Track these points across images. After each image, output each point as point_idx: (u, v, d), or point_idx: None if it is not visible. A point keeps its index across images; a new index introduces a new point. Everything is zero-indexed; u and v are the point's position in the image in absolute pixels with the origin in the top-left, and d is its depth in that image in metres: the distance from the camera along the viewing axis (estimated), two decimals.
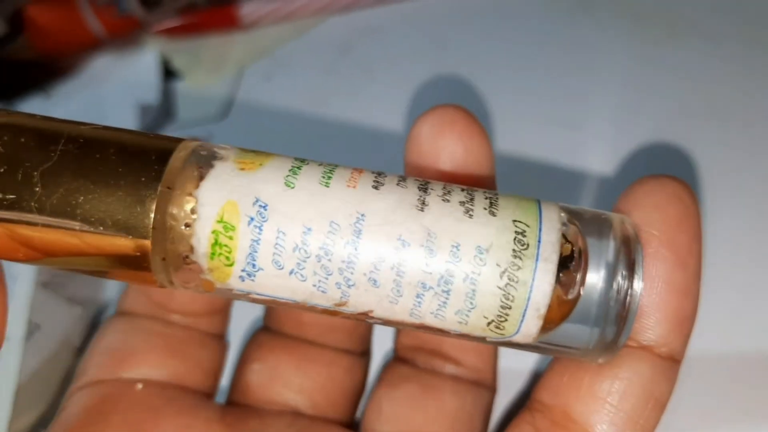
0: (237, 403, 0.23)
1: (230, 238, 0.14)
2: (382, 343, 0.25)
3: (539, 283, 0.15)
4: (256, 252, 0.14)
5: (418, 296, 0.15)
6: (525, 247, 0.15)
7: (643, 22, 0.33)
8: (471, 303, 0.15)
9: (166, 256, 0.15)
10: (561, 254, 0.15)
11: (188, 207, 0.15)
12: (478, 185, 0.20)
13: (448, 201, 0.15)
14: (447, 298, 0.15)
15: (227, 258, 0.15)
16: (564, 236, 0.15)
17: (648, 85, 0.31)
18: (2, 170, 0.14)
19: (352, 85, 0.34)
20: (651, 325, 0.17)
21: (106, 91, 0.35)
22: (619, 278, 0.15)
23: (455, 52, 0.34)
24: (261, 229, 0.14)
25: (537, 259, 0.15)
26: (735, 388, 0.25)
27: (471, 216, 0.15)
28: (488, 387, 0.23)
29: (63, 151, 0.15)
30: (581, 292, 0.15)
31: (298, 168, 0.15)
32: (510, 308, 0.15)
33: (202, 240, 0.15)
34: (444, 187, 0.16)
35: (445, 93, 0.32)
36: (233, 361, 0.25)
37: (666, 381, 0.17)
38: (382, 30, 0.35)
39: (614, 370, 0.17)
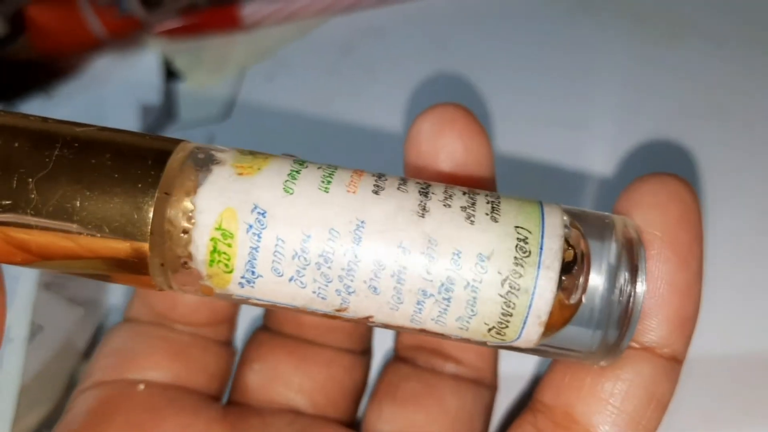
0: (238, 403, 0.23)
1: (229, 245, 0.14)
2: (382, 342, 0.25)
3: (541, 290, 0.14)
4: (255, 259, 0.14)
5: (418, 303, 0.15)
6: (527, 254, 0.14)
7: (643, 22, 0.33)
8: (472, 310, 0.15)
9: (164, 261, 0.15)
10: (563, 260, 0.15)
11: (186, 213, 0.14)
12: (478, 185, 0.20)
13: (449, 206, 0.15)
14: (448, 305, 0.15)
15: (226, 265, 0.14)
16: (566, 240, 0.15)
17: (648, 85, 0.31)
18: None
19: (353, 85, 0.34)
20: (653, 326, 0.17)
21: (108, 92, 0.35)
22: (622, 281, 0.15)
23: (457, 52, 0.34)
24: (260, 237, 0.14)
25: (539, 267, 0.14)
26: (736, 388, 0.25)
27: (472, 222, 0.15)
28: (489, 386, 0.23)
29: (58, 156, 0.14)
30: (583, 296, 0.15)
31: (297, 172, 0.15)
32: (511, 315, 0.15)
33: (200, 247, 0.14)
34: (445, 191, 0.15)
35: (447, 93, 0.32)
36: (235, 359, 0.24)
37: (668, 381, 0.17)
38: (384, 30, 0.35)
39: (616, 371, 0.17)
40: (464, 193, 0.16)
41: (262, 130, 0.33)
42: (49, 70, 0.35)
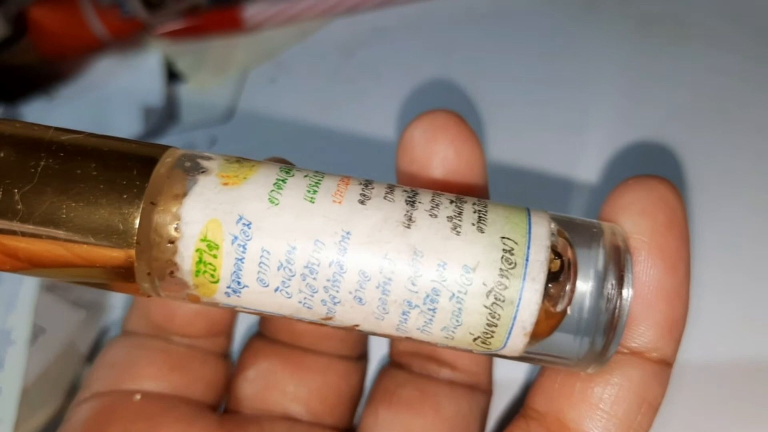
0: (234, 412, 0.23)
1: (214, 256, 0.14)
2: (378, 348, 0.25)
3: (526, 302, 0.15)
4: (240, 270, 0.15)
5: (404, 313, 0.15)
6: (512, 266, 0.15)
7: (646, 28, 0.33)
8: (457, 320, 0.15)
9: (151, 270, 0.15)
10: (550, 270, 0.15)
11: (172, 224, 0.15)
12: (471, 191, 0.20)
13: (435, 216, 0.15)
14: (433, 316, 0.15)
15: (212, 275, 0.15)
16: (553, 248, 0.15)
17: (647, 92, 0.31)
18: None
19: (355, 87, 0.34)
20: (641, 331, 0.17)
21: (110, 94, 0.35)
22: (609, 289, 0.15)
23: (458, 55, 0.34)
24: (245, 248, 0.14)
25: (524, 279, 0.15)
26: (727, 391, 0.25)
27: (458, 233, 0.15)
28: (484, 391, 0.23)
29: (44, 167, 0.15)
30: (570, 304, 0.15)
31: (283, 181, 0.15)
32: (496, 326, 0.15)
33: (186, 258, 0.15)
34: (432, 200, 0.16)
35: (448, 96, 0.32)
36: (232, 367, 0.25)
37: (658, 385, 0.17)
38: (386, 33, 0.35)
39: (606, 376, 0.17)
40: (451, 202, 0.16)
41: (264, 133, 0.34)
42: (51, 72, 0.36)
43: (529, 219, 0.16)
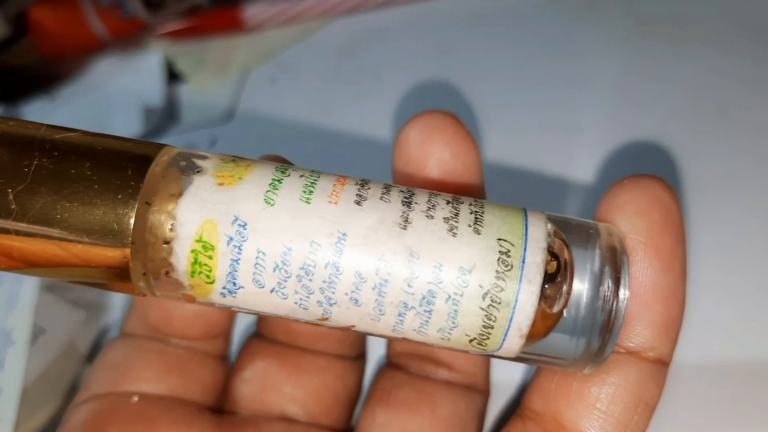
0: (232, 413, 0.23)
1: (210, 257, 0.15)
2: (375, 349, 0.25)
3: (522, 304, 0.15)
4: (236, 271, 0.15)
5: (399, 315, 0.15)
6: (509, 268, 0.15)
7: (647, 28, 0.33)
8: (453, 322, 0.15)
9: (146, 270, 0.15)
10: (546, 272, 0.15)
11: (167, 224, 0.15)
12: (467, 191, 0.20)
13: (432, 217, 0.15)
14: (429, 318, 0.15)
15: (207, 276, 0.15)
16: (550, 249, 0.15)
17: (646, 92, 0.31)
18: None
19: (356, 88, 0.34)
20: (638, 331, 0.17)
21: (110, 94, 0.36)
22: (605, 290, 0.15)
23: (459, 55, 0.34)
24: (240, 249, 0.14)
25: (520, 281, 0.15)
26: (724, 392, 0.25)
27: (455, 234, 0.15)
28: (481, 391, 0.23)
29: (37, 166, 0.15)
30: (567, 305, 0.15)
31: (279, 181, 0.15)
32: (492, 328, 0.15)
33: (181, 259, 0.15)
34: (429, 200, 0.16)
35: (449, 97, 0.32)
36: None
37: (654, 384, 0.17)
38: (387, 33, 0.35)
39: (602, 376, 0.17)
40: (448, 203, 0.16)
41: (264, 133, 0.34)
42: (52, 72, 0.36)
43: (526, 220, 0.16)
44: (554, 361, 0.16)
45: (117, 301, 0.31)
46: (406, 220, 0.15)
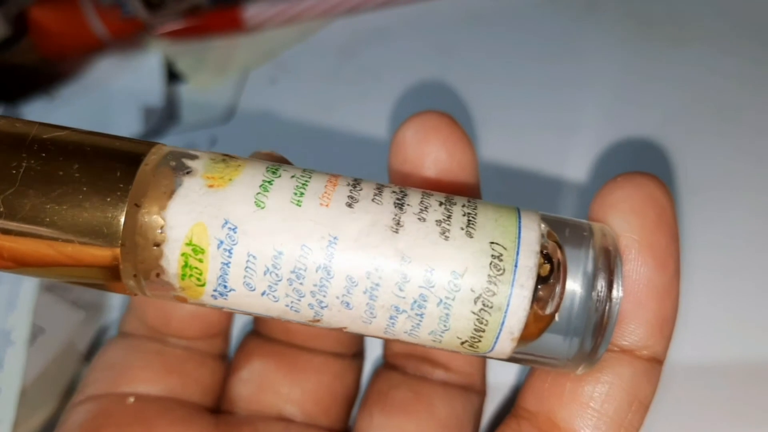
0: (229, 413, 0.23)
1: (200, 260, 0.15)
2: (372, 349, 0.25)
3: (514, 309, 0.15)
4: (227, 274, 0.15)
5: (391, 318, 0.15)
6: (501, 272, 0.15)
7: (648, 29, 0.33)
8: (444, 325, 0.15)
9: (137, 272, 0.15)
10: (539, 275, 0.15)
11: (157, 227, 0.15)
12: (463, 190, 0.20)
13: (424, 220, 0.15)
14: (420, 321, 0.15)
15: (198, 279, 0.15)
16: (543, 249, 0.15)
17: (645, 93, 0.31)
18: None
19: (356, 88, 0.34)
20: (631, 329, 0.17)
21: (110, 94, 0.36)
22: (598, 291, 0.15)
23: (459, 55, 0.34)
24: (231, 253, 0.15)
25: (512, 285, 0.15)
26: (718, 390, 0.25)
27: (447, 238, 0.15)
28: (478, 391, 0.23)
29: (26, 168, 0.15)
30: (559, 307, 0.15)
31: (270, 183, 0.15)
32: (484, 331, 0.15)
33: (171, 262, 0.15)
34: (421, 202, 0.16)
35: (449, 97, 0.33)
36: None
37: (648, 383, 0.17)
38: (387, 33, 0.35)
39: (596, 374, 0.17)
40: (441, 204, 0.16)
41: (264, 133, 0.34)
42: (52, 72, 0.36)
43: (519, 222, 0.16)
44: (547, 361, 0.16)
45: (116, 301, 0.31)
46: (398, 223, 0.15)
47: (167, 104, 0.36)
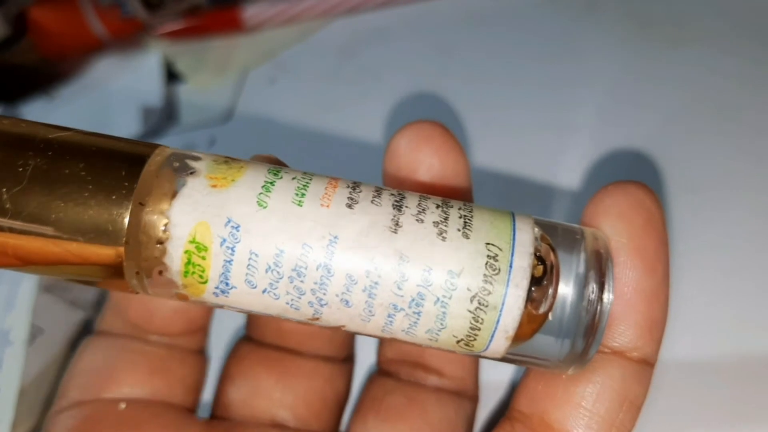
0: (221, 418, 0.24)
1: (203, 258, 0.15)
2: (365, 356, 0.26)
3: (509, 308, 0.15)
4: (229, 272, 0.15)
5: (389, 316, 0.16)
6: (496, 272, 0.15)
7: (646, 31, 0.33)
8: (441, 324, 0.16)
9: (140, 270, 0.16)
10: (533, 275, 0.16)
11: (161, 225, 0.15)
12: (456, 196, 0.20)
13: (422, 221, 0.16)
14: (418, 319, 0.16)
15: (200, 276, 0.15)
16: (536, 252, 0.16)
17: (648, 94, 0.32)
18: None
19: (355, 88, 0.35)
20: (621, 331, 0.17)
21: (109, 94, 0.36)
22: (590, 293, 0.16)
23: (459, 56, 0.34)
24: (233, 250, 0.15)
25: (507, 285, 0.15)
26: (714, 391, 0.25)
27: (444, 239, 0.16)
28: (470, 397, 0.24)
29: (33, 167, 0.15)
30: (552, 308, 0.16)
31: (272, 184, 0.16)
32: (479, 330, 0.16)
33: (174, 259, 0.15)
34: (419, 204, 0.16)
35: (448, 97, 0.33)
36: (215, 375, 0.25)
37: (639, 384, 0.18)
38: (386, 34, 0.36)
39: (588, 375, 0.18)
40: (438, 206, 0.16)
41: (264, 133, 0.34)
42: (51, 72, 0.36)
43: (514, 225, 0.16)
44: (540, 362, 0.17)
45: None
46: (397, 224, 0.16)
47: (166, 104, 0.36)
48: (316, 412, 0.23)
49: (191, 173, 0.16)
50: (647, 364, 0.18)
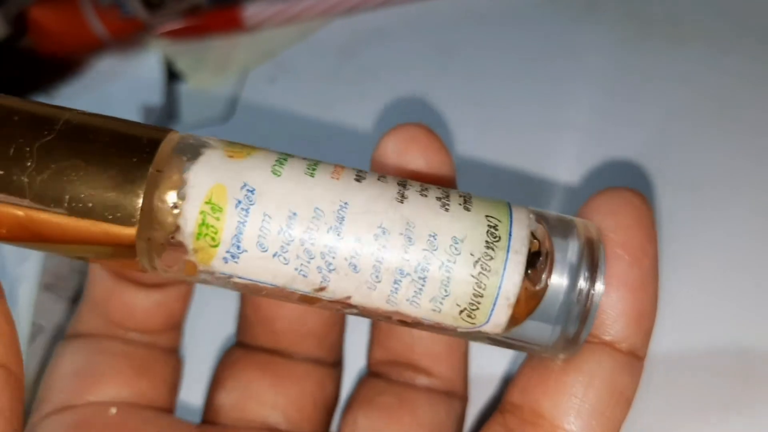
0: (212, 423, 0.24)
1: (217, 219, 0.16)
2: (355, 359, 0.27)
3: (510, 273, 0.17)
4: (241, 234, 0.16)
5: (395, 282, 0.17)
6: (497, 239, 0.17)
7: (647, 30, 0.34)
8: (445, 290, 0.17)
9: (151, 236, 0.16)
10: (530, 249, 0.17)
11: (177, 189, 0.16)
12: None
13: (425, 196, 0.17)
14: (423, 285, 0.17)
15: (213, 239, 0.16)
16: (532, 234, 0.17)
17: (648, 94, 0.33)
18: None
19: (356, 88, 0.35)
20: (610, 322, 0.19)
21: (110, 93, 0.36)
22: (582, 278, 0.17)
23: (459, 55, 0.35)
24: (248, 212, 0.16)
25: (508, 251, 0.17)
26: (702, 384, 0.26)
27: (447, 210, 0.17)
28: (460, 397, 0.25)
29: (59, 130, 0.16)
30: (547, 289, 0.17)
31: (284, 160, 0.17)
32: (482, 296, 0.17)
33: (189, 220, 0.16)
34: (421, 185, 0.18)
35: (448, 97, 0.34)
36: (205, 379, 0.26)
37: (629, 375, 0.19)
38: (387, 33, 0.36)
39: (578, 365, 0.19)
40: (438, 188, 0.18)
41: (264, 132, 0.35)
42: (51, 71, 0.36)
43: (510, 207, 0.18)
44: (533, 346, 0.18)
45: None
46: (403, 196, 0.17)
47: (167, 103, 0.37)
48: (307, 415, 0.24)
49: (208, 146, 0.17)
50: (636, 357, 0.19)
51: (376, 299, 0.17)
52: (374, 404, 0.24)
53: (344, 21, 0.37)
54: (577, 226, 0.18)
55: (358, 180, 0.17)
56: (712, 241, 0.29)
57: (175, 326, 0.26)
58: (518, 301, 0.17)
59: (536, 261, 0.17)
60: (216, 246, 0.16)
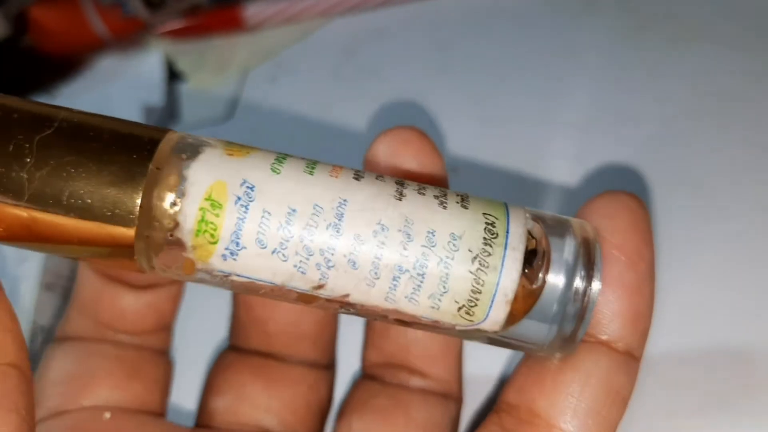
0: (206, 426, 0.24)
1: (216, 215, 0.16)
2: (349, 362, 0.27)
3: (508, 269, 0.17)
4: (240, 230, 0.16)
5: (394, 279, 0.17)
6: (495, 236, 0.17)
7: (647, 30, 0.35)
8: (444, 287, 0.17)
9: (150, 234, 0.17)
10: (527, 247, 0.17)
11: (177, 187, 0.16)
12: None
13: (423, 194, 0.17)
14: (421, 282, 0.17)
15: (212, 235, 0.16)
16: (529, 232, 0.17)
17: (648, 93, 0.33)
18: None
19: (356, 87, 0.36)
20: (606, 321, 0.19)
21: (110, 93, 0.37)
22: (578, 277, 0.18)
23: (459, 55, 0.35)
24: (247, 209, 0.16)
25: (506, 248, 0.17)
26: (700, 385, 0.26)
27: (445, 207, 0.17)
28: (455, 398, 0.25)
29: (58, 127, 0.16)
30: (544, 287, 0.17)
31: (283, 159, 0.17)
32: (480, 293, 0.17)
33: (188, 217, 0.16)
34: (418, 184, 0.18)
35: (448, 96, 0.34)
36: (198, 383, 0.26)
37: (625, 375, 0.19)
38: (387, 32, 0.36)
39: (574, 364, 0.19)
40: (435, 188, 0.18)
41: (265, 132, 0.35)
42: (52, 71, 0.37)
43: (506, 206, 0.18)
44: (530, 345, 0.18)
45: None
46: (401, 194, 0.17)
47: (167, 103, 0.37)
48: (301, 418, 0.24)
49: (208, 145, 0.17)
50: (632, 358, 0.19)
51: (375, 296, 0.17)
52: (369, 407, 0.24)
53: (344, 21, 0.37)
54: (573, 225, 0.19)
55: (356, 179, 0.17)
56: (710, 239, 0.29)
57: (166, 327, 0.26)
58: (516, 298, 0.17)
59: (533, 259, 0.17)
60: (215, 243, 0.17)
